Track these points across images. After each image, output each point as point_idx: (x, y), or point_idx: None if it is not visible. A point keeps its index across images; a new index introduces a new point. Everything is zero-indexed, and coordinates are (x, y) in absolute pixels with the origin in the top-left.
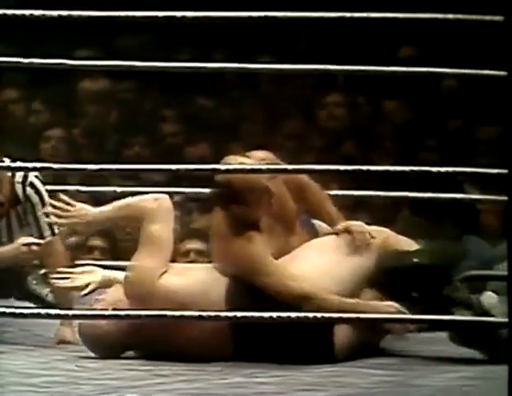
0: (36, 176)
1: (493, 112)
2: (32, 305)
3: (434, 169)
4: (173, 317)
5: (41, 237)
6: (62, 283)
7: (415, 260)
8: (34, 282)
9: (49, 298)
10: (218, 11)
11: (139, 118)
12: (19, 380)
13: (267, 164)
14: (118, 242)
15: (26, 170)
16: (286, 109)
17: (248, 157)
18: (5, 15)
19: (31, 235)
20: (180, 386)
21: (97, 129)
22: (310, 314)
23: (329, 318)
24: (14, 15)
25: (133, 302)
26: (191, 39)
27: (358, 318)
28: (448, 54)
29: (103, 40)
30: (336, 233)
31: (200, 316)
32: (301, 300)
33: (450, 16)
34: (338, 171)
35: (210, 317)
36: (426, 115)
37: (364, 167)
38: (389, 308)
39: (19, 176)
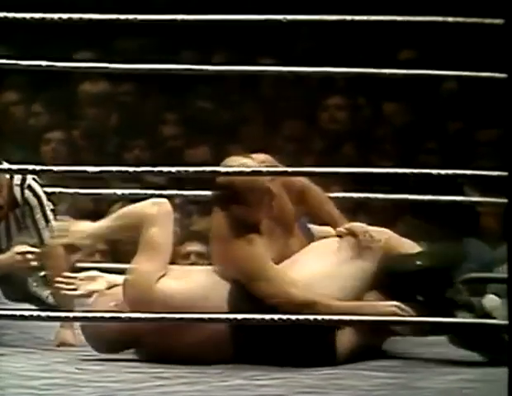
0: (34, 179)
1: (493, 115)
2: (32, 307)
3: (434, 171)
4: (173, 319)
5: (40, 240)
6: (67, 291)
7: (418, 262)
8: (34, 284)
9: (50, 300)
10: (218, 14)
11: (140, 121)
12: (19, 383)
13: (268, 167)
14: (119, 244)
15: (26, 172)
16: (287, 111)
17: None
18: (5, 18)
19: (30, 238)
20: (181, 389)
21: (97, 132)
22: (311, 317)
23: (330, 320)
24: (15, 18)
25: (132, 305)
26: (191, 41)
27: (360, 321)
28: (448, 57)
29: (103, 42)
30: (339, 236)
31: (200, 318)
32: (302, 308)
33: (450, 19)
34: (338, 173)
35: (210, 319)
36: (426, 117)
37: (364, 170)
38: (392, 308)
39: (17, 178)
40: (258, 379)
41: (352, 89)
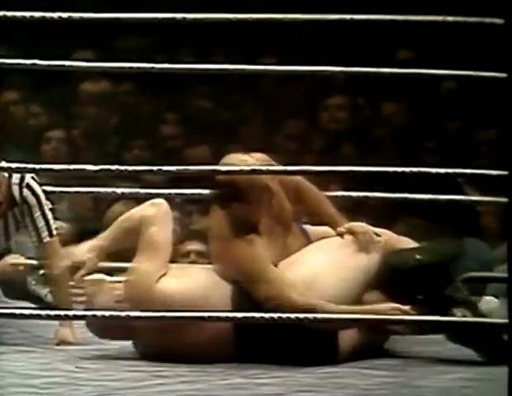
0: (33, 178)
1: (492, 114)
2: (31, 305)
3: (434, 170)
4: (173, 318)
5: (39, 238)
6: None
7: (418, 257)
8: (33, 283)
9: (48, 298)
10: (218, 13)
11: (139, 120)
12: (19, 381)
13: (265, 165)
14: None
15: (25, 171)
16: (286, 111)
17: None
18: (5, 17)
19: (28, 237)
20: (181, 387)
21: (96, 132)
22: (311, 315)
23: (330, 320)
24: (15, 17)
25: (133, 305)
26: (191, 41)
27: (360, 321)
28: (447, 57)
29: (103, 41)
30: (340, 235)
31: (200, 317)
32: (302, 312)
33: (450, 18)
34: (337, 172)
35: (210, 318)
36: (426, 117)
37: (364, 168)
38: (393, 311)
39: (16, 177)
40: (258, 378)
41: (351, 89)
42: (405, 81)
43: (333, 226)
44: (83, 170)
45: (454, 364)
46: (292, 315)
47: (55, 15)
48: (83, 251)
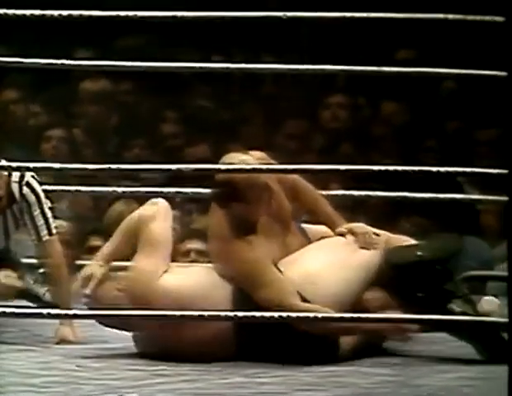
0: (33, 177)
1: (492, 114)
2: (29, 304)
3: (434, 169)
4: (174, 317)
5: (38, 237)
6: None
7: (418, 253)
8: (31, 281)
9: (47, 297)
10: (218, 12)
11: (139, 119)
12: (19, 380)
13: (264, 164)
14: None
15: (26, 170)
16: (286, 110)
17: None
18: (5, 14)
19: (28, 235)
20: (181, 386)
21: (97, 131)
22: (311, 314)
23: (329, 317)
24: (14, 15)
25: (134, 303)
26: (191, 39)
27: (359, 319)
28: (447, 56)
29: (103, 40)
30: (342, 235)
31: (200, 316)
32: None
33: (450, 16)
34: (337, 171)
35: (210, 317)
36: (426, 116)
37: (363, 167)
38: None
39: (15, 175)
40: (258, 377)
41: (351, 88)
42: (405, 80)
43: (329, 225)
44: (83, 169)
45: (455, 362)
46: (293, 314)
47: (55, 13)
48: (93, 264)
